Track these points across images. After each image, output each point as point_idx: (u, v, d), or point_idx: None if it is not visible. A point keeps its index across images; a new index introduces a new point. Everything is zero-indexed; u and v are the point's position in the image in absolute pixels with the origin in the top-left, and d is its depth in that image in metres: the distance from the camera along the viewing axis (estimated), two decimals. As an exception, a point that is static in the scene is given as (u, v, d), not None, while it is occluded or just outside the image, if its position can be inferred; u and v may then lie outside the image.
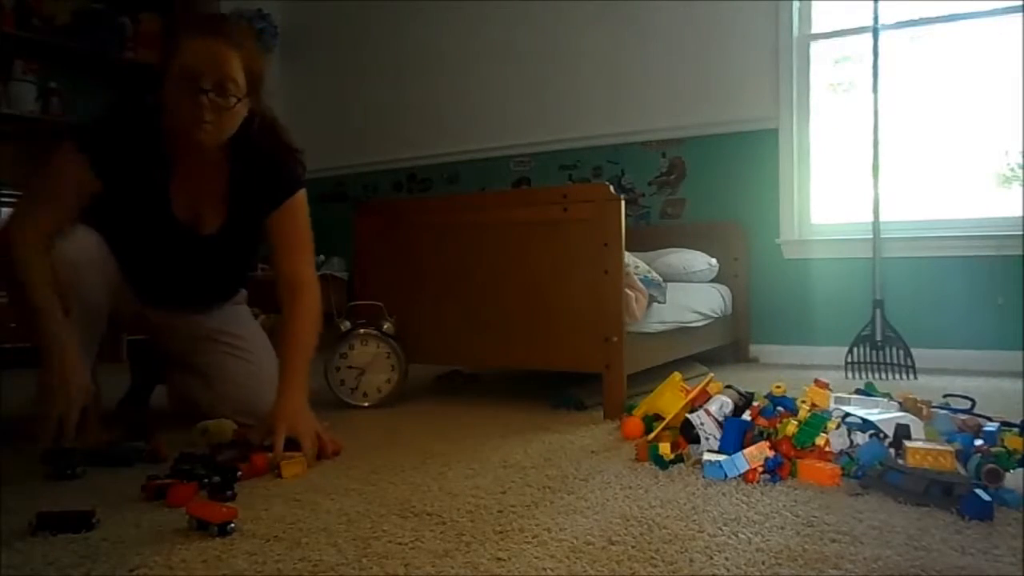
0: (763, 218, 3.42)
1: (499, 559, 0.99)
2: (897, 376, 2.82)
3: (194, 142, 1.53)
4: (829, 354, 3.13)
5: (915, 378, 2.77)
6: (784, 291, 3.38)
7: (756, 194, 3.43)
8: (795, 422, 1.46)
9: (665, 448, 1.47)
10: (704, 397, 1.69)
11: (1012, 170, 3.13)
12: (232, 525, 1.09)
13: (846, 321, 3.09)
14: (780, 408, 1.60)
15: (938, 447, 1.29)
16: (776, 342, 3.39)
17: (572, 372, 2.17)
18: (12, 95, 3.63)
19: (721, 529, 1.09)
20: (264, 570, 0.96)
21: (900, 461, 1.30)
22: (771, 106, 3.38)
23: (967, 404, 1.73)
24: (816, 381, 1.69)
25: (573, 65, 3.88)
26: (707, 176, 3.56)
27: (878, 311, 2.98)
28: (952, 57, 3.19)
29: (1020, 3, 2.97)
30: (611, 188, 2.06)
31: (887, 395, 1.72)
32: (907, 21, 3.20)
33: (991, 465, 1.23)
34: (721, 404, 1.61)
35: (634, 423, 1.75)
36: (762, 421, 1.53)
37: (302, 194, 1.73)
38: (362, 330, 2.24)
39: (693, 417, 1.55)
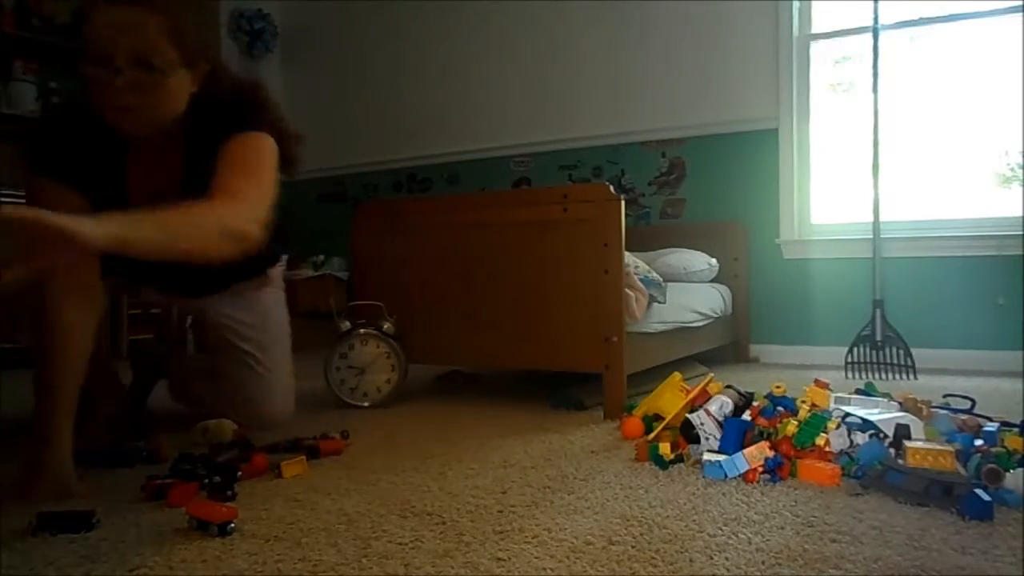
0: (763, 218, 3.42)
1: (499, 559, 0.99)
2: (897, 376, 2.82)
3: (123, 130, 1.32)
4: (829, 354, 3.13)
5: (915, 378, 2.77)
6: (784, 291, 3.38)
7: (756, 194, 3.43)
8: (795, 422, 1.46)
9: (665, 448, 1.48)
10: (704, 397, 1.69)
11: (1012, 170, 3.13)
12: (232, 525, 1.09)
13: (846, 321, 3.09)
14: (780, 408, 1.60)
15: (938, 447, 1.29)
16: (776, 342, 3.39)
17: (572, 372, 2.17)
18: (12, 95, 3.63)
19: (721, 529, 1.09)
20: (264, 570, 0.96)
21: (900, 461, 1.30)
22: (771, 106, 3.38)
23: (967, 404, 1.73)
24: (816, 381, 1.69)
25: (573, 65, 3.87)
26: (707, 176, 3.56)
27: (878, 311, 2.98)
28: (952, 57, 3.19)
29: (1020, 3, 2.97)
30: (611, 188, 2.06)
31: (887, 395, 1.72)
32: (907, 21, 3.20)
33: (991, 465, 1.23)
34: (721, 404, 1.61)
35: (634, 423, 1.75)
36: (762, 421, 1.53)
37: (258, 136, 1.40)
38: (362, 330, 2.23)
39: (693, 417, 1.55)
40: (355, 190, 4.59)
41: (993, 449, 1.35)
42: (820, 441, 1.42)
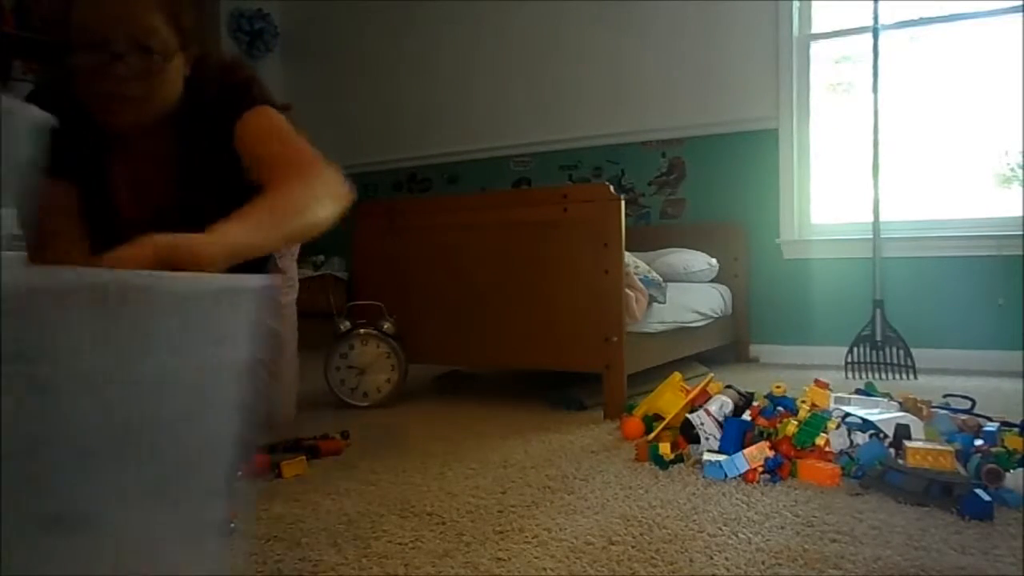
0: (763, 218, 3.41)
1: (499, 559, 0.99)
2: (897, 376, 2.82)
3: (118, 125, 1.18)
4: (829, 354, 3.13)
5: (915, 378, 2.77)
6: (784, 291, 3.38)
7: (756, 194, 3.43)
8: (795, 422, 1.46)
9: (665, 448, 1.48)
10: (704, 397, 1.69)
11: (1012, 170, 3.13)
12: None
13: (846, 321, 3.09)
14: (780, 408, 1.60)
15: (938, 447, 1.29)
16: (776, 342, 3.39)
17: (572, 372, 2.17)
18: (12, 95, 3.63)
19: (721, 529, 1.09)
20: (264, 570, 0.96)
21: (900, 461, 1.30)
22: (771, 106, 3.38)
23: (967, 404, 1.73)
24: (816, 381, 1.69)
25: (573, 65, 3.87)
26: (707, 176, 3.56)
27: (878, 311, 2.98)
28: (952, 57, 3.19)
29: (1020, 3, 2.97)
30: (611, 188, 2.06)
31: (887, 395, 1.72)
32: (907, 21, 3.20)
33: (991, 465, 1.24)
34: (721, 404, 1.61)
35: (634, 423, 1.75)
36: (762, 421, 1.53)
37: (267, 109, 1.26)
38: (362, 330, 2.23)
39: (693, 417, 1.55)
40: (355, 190, 4.58)
41: (993, 449, 1.35)
42: (820, 441, 1.42)
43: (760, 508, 1.19)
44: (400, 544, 1.05)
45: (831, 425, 1.44)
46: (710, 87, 3.52)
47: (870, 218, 3.05)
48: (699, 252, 3.18)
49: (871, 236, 3.05)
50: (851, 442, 1.42)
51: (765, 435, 1.47)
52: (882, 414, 1.48)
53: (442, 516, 1.17)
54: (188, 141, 1.29)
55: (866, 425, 1.45)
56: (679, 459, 1.48)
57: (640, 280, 2.21)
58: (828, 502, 1.22)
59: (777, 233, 3.39)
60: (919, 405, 1.60)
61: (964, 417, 1.60)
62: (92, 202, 1.27)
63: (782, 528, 1.10)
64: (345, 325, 2.25)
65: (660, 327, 2.36)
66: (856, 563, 0.96)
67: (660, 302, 2.31)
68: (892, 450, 1.38)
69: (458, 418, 2.04)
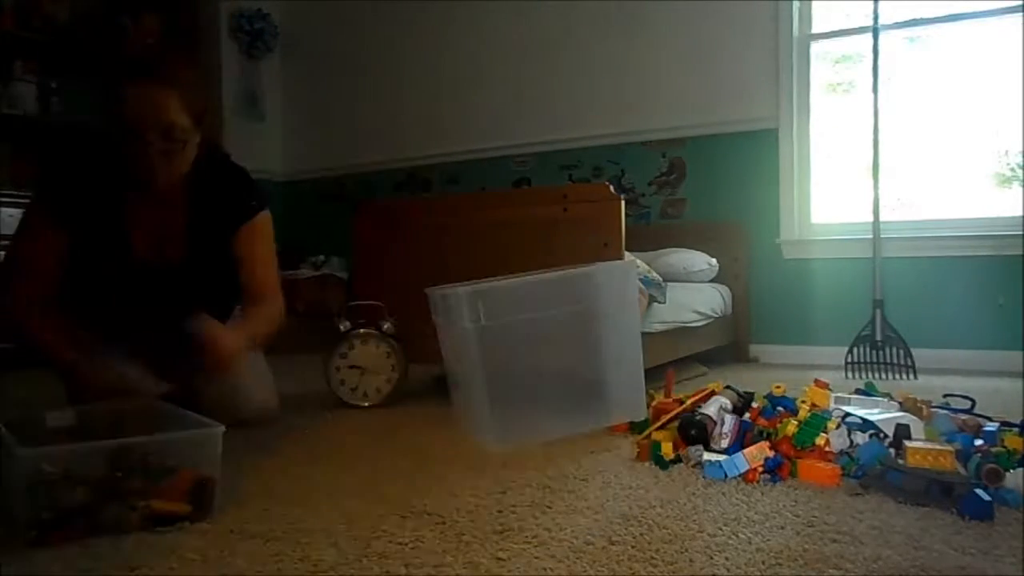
0: (763, 218, 3.41)
1: (499, 559, 0.99)
2: (897, 376, 2.82)
3: (151, 185, 1.57)
4: (829, 354, 3.12)
5: (915, 378, 2.77)
6: (784, 291, 3.38)
7: (756, 194, 3.43)
8: (795, 422, 1.46)
9: (667, 448, 1.48)
10: (706, 400, 1.69)
11: (1012, 170, 3.13)
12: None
13: (846, 321, 3.09)
14: (780, 408, 1.60)
15: (938, 447, 1.29)
16: (776, 342, 3.39)
17: (572, 372, 2.17)
18: (12, 95, 3.63)
19: (721, 529, 1.09)
20: (264, 570, 0.96)
21: (900, 461, 1.30)
22: (771, 106, 3.38)
23: (967, 404, 1.73)
24: (816, 381, 1.69)
25: (573, 65, 3.87)
26: (707, 176, 3.56)
27: (878, 311, 2.98)
28: (952, 57, 3.19)
29: (1020, 3, 2.97)
30: (611, 188, 2.06)
31: (887, 395, 1.72)
32: (907, 21, 3.20)
33: (991, 465, 1.24)
34: (721, 404, 1.61)
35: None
36: (762, 421, 1.53)
37: (262, 217, 1.78)
38: (362, 330, 2.23)
39: (712, 413, 1.54)
40: (355, 190, 4.59)
41: (993, 449, 1.35)
42: (820, 441, 1.42)
43: (760, 508, 1.19)
44: (400, 544, 1.05)
45: (831, 425, 1.44)
46: (710, 87, 3.52)
47: (870, 218, 3.05)
48: (699, 252, 3.18)
49: (871, 236, 3.05)
50: (851, 442, 1.42)
51: (765, 435, 1.47)
52: (882, 414, 1.49)
53: (442, 516, 1.17)
54: (197, 211, 1.71)
55: (866, 425, 1.45)
56: (679, 459, 1.48)
57: (640, 280, 2.21)
58: (828, 502, 1.22)
59: (777, 233, 3.39)
60: (919, 405, 1.60)
61: (964, 417, 1.60)
62: (109, 239, 1.65)
63: (782, 528, 1.10)
64: (345, 325, 2.25)
65: (660, 327, 2.36)
66: (856, 563, 0.96)
67: (660, 302, 2.31)
68: (892, 450, 1.38)
69: (458, 418, 2.04)
